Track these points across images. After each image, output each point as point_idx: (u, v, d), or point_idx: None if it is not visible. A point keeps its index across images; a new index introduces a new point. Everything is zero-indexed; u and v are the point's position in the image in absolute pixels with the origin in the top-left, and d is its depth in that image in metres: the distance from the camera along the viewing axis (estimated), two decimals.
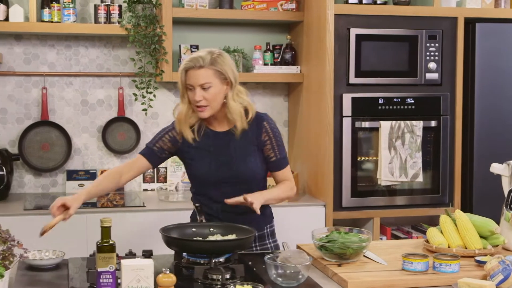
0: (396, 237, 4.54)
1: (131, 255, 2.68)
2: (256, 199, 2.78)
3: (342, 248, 2.63)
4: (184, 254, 2.66)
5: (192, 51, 4.53)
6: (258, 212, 2.80)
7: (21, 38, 4.47)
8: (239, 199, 2.79)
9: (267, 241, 3.06)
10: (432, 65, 4.38)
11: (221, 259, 2.60)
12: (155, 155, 2.99)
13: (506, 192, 2.96)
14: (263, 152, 2.97)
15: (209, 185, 2.94)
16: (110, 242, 2.25)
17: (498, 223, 2.93)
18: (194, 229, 2.82)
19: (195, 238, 2.72)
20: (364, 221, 4.46)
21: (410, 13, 4.37)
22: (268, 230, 3.08)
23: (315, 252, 2.74)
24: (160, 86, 4.61)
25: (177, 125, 2.95)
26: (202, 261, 2.59)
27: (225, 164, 2.92)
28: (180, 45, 4.55)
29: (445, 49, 4.42)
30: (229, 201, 2.82)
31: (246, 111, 2.93)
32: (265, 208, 2.98)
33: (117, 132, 4.61)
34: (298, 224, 4.10)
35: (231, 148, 2.92)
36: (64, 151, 4.52)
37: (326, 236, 2.76)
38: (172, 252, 2.74)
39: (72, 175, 4.51)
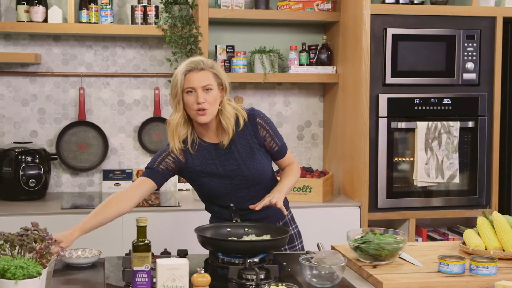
0: (432, 239, 4.50)
1: (166, 254, 2.70)
2: (279, 199, 2.81)
3: (377, 249, 2.61)
4: (219, 254, 2.66)
5: (228, 52, 4.55)
6: (286, 213, 2.89)
7: (59, 39, 4.52)
8: (264, 203, 2.80)
9: (290, 227, 3.07)
10: (470, 65, 4.33)
11: (256, 259, 2.60)
12: (161, 176, 2.90)
13: None
14: (265, 146, 2.96)
15: (225, 196, 2.92)
16: (146, 241, 2.26)
17: None
18: (229, 229, 2.82)
19: (230, 238, 2.73)
20: (399, 222, 4.43)
21: (447, 12, 4.32)
22: (289, 216, 3.11)
23: (350, 253, 2.73)
24: None
25: (169, 134, 2.90)
26: (236, 261, 2.59)
27: (236, 172, 2.89)
28: (216, 46, 4.56)
29: (483, 49, 4.37)
30: (254, 207, 2.82)
31: (237, 118, 2.91)
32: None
33: (153, 132, 4.64)
34: (333, 225, 4.10)
35: (235, 154, 2.90)
36: (101, 150, 4.56)
37: (361, 237, 2.75)
38: (207, 251, 2.74)
39: (108, 175, 4.56)
